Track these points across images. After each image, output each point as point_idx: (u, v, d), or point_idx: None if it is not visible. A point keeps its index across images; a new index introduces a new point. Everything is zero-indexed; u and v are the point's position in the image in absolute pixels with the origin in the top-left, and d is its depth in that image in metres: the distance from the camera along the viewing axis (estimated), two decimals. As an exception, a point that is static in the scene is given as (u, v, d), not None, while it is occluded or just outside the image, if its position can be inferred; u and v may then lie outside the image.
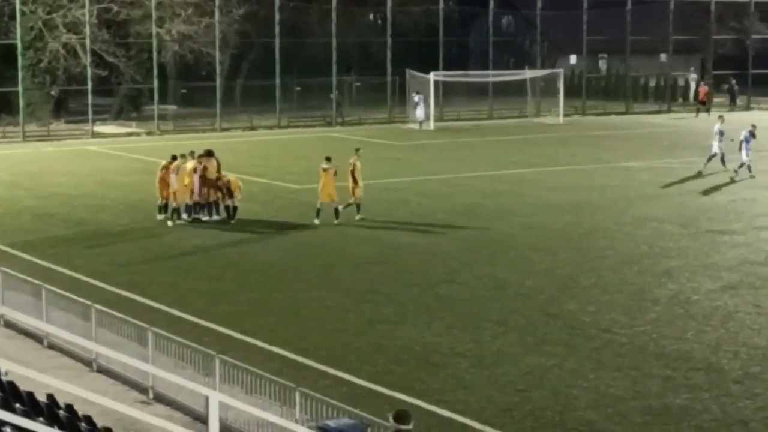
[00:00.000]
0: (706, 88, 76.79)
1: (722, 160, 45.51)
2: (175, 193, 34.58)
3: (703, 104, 75.07)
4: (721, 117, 48.45)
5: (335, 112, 69.23)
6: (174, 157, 35.27)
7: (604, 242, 32.40)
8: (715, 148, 45.85)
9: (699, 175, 45.04)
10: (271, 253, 31.24)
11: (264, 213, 36.73)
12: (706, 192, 41.41)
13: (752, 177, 43.99)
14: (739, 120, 72.84)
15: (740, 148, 44.86)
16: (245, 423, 17.67)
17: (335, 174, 34.51)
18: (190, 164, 35.11)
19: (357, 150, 36.10)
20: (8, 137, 59.89)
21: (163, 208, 35.07)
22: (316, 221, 34.36)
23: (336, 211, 34.53)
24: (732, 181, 43.68)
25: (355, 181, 34.96)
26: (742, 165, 44.47)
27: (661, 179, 44.67)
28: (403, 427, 13.18)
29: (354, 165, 35.12)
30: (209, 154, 36.20)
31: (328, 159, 35.10)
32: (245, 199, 35.87)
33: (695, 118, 73.10)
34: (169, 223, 34.36)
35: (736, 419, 18.56)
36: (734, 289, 27.02)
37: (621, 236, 33.23)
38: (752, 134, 45.08)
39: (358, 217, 34.85)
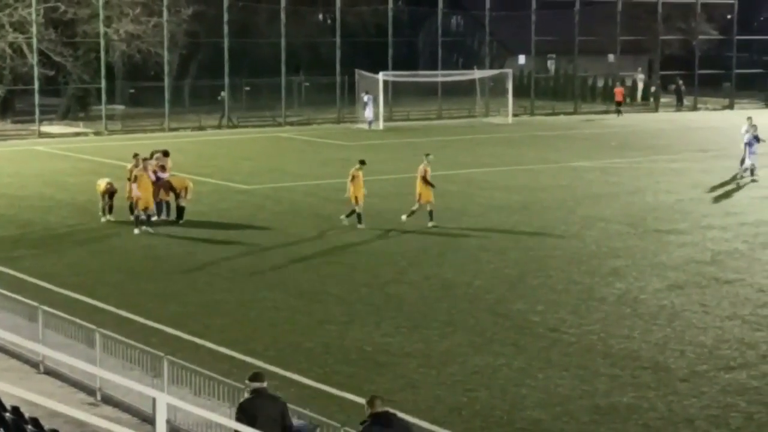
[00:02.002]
0: (622, 89, 77.69)
1: (742, 161, 45.36)
2: (138, 200, 33.70)
3: (620, 105, 76.02)
4: (749, 118, 47.65)
5: (223, 114, 67.27)
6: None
7: (552, 242, 32.55)
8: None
9: (741, 181, 44.70)
10: (219, 253, 31.11)
11: (212, 214, 36.59)
12: (654, 192, 41.70)
13: (754, 180, 43.92)
14: (685, 119, 73.68)
15: (745, 152, 44.64)
16: (194, 424, 17.59)
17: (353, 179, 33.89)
18: (151, 167, 34.74)
19: (427, 155, 35.09)
20: (-46, 137, 59.41)
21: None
22: (361, 226, 33.92)
23: (359, 215, 34.00)
24: (738, 186, 43.47)
25: (431, 185, 34.20)
26: (747, 169, 44.43)
27: (609, 179, 44.96)
28: (256, 384, 14.82)
29: (425, 170, 34.29)
30: (166, 154, 36.08)
31: (362, 162, 34.56)
32: (193, 199, 35.72)
33: (617, 118, 73.72)
34: (137, 231, 33.63)
35: (683, 417, 18.71)
36: (681, 288, 27.23)
37: (569, 236, 33.39)
38: (756, 138, 44.67)
39: (431, 225, 34.14)
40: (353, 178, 34.07)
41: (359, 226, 33.91)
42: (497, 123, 69.94)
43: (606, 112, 78.48)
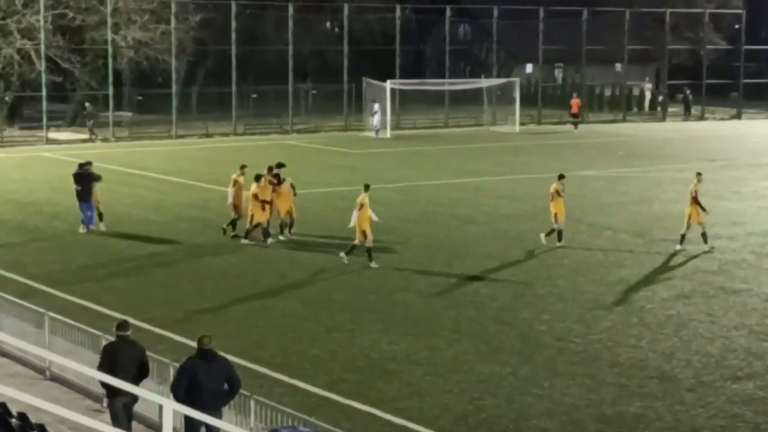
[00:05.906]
0: (579, 101, 75.96)
1: None
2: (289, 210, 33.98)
3: (576, 117, 74.70)
4: None
5: (88, 125, 63.95)
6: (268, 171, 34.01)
7: (559, 251, 32.50)
8: None
9: None
10: (227, 261, 31.12)
11: (219, 220, 36.56)
12: (661, 201, 41.63)
13: None
14: (693, 128, 73.62)
15: None
16: (200, 431, 17.56)
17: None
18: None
19: (698, 174, 33.09)
20: (-39, 143, 59.49)
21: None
22: (559, 243, 32.99)
23: (560, 233, 33.10)
24: None
25: (702, 208, 32.46)
26: None
27: (616, 188, 44.90)
28: (120, 332, 17.14)
29: (695, 191, 32.57)
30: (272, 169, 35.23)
31: (561, 177, 33.86)
32: (200, 207, 35.70)
33: (575, 130, 72.68)
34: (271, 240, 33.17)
35: (689, 427, 18.66)
36: (687, 297, 27.20)
37: (576, 245, 33.34)
38: None
39: (708, 247, 32.26)
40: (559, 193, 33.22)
41: (558, 244, 32.88)
42: (504, 131, 69.91)
43: (613, 121, 78.50)
